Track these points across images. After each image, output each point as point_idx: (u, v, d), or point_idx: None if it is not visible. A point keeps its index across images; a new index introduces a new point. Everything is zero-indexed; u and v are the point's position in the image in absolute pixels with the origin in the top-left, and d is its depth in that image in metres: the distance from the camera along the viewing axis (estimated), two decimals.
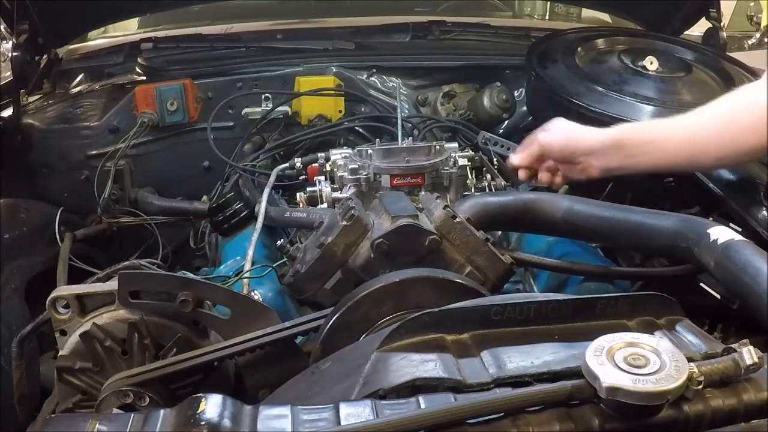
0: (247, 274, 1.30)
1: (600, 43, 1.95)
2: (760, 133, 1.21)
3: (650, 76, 1.75)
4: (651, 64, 1.77)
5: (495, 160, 1.71)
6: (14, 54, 1.83)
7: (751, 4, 2.94)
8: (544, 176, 1.41)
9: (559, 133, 1.36)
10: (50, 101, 1.99)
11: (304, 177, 1.68)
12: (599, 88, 1.69)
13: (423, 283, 1.04)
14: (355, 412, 0.65)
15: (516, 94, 2.07)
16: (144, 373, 1.03)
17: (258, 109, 2.02)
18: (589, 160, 1.31)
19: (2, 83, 1.84)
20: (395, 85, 2.12)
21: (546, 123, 1.41)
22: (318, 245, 1.20)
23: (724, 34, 2.14)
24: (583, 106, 1.64)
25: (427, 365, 0.72)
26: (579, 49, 1.88)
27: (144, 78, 2.03)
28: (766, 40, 2.10)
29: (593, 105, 1.64)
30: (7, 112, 1.84)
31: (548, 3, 3.07)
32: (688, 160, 1.28)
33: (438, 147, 1.54)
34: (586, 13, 2.90)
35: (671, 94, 1.70)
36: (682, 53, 1.93)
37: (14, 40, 1.84)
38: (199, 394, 0.66)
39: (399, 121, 1.78)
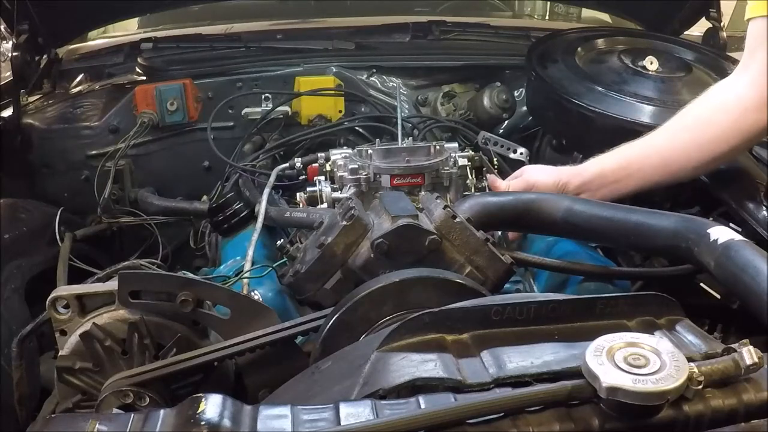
0: (247, 274, 1.30)
1: (600, 43, 1.95)
2: (732, 134, 1.24)
3: (650, 76, 1.75)
4: (651, 64, 1.77)
5: (495, 160, 1.71)
6: (14, 54, 1.83)
7: None
8: None
9: (550, 173, 1.42)
10: (50, 101, 1.99)
11: (304, 177, 1.68)
12: (599, 88, 1.69)
13: (423, 283, 1.04)
14: (355, 412, 0.65)
15: (516, 94, 2.07)
16: (144, 373, 1.02)
17: (258, 109, 2.03)
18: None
19: (2, 83, 1.84)
20: (395, 85, 2.12)
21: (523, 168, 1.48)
22: (318, 245, 1.20)
23: (724, 34, 2.15)
24: (583, 106, 1.65)
25: (427, 365, 0.72)
26: (579, 49, 1.89)
27: (144, 78, 2.03)
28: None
29: (593, 105, 1.64)
30: (7, 112, 1.84)
31: (548, 3, 3.07)
32: (669, 175, 1.35)
33: (438, 147, 1.54)
34: (586, 13, 2.91)
35: (671, 94, 1.70)
36: (682, 53, 1.93)
37: (14, 40, 1.84)
38: (199, 394, 0.66)
39: (399, 121, 1.78)
